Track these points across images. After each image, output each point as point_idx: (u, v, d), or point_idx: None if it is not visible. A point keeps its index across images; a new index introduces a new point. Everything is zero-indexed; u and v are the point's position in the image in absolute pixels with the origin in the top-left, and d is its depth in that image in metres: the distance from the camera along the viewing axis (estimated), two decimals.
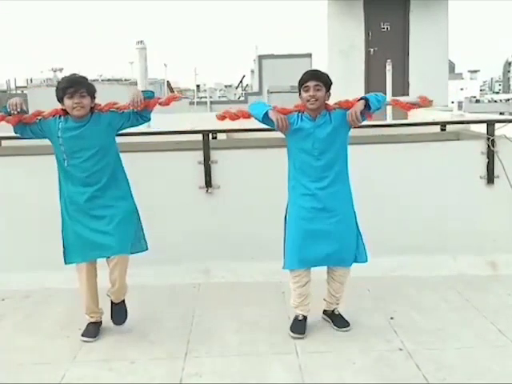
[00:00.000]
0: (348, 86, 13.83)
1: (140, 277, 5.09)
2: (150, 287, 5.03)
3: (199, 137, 5.43)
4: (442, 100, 14.56)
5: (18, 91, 33.23)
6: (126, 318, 4.36)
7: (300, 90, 4.04)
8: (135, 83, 11.01)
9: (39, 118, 4.10)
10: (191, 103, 28.64)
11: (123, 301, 4.34)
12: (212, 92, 41.89)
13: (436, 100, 14.13)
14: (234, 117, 4.33)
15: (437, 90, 14.18)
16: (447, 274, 5.28)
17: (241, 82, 39.69)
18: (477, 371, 3.59)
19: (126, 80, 33.85)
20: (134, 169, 5.33)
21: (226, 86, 50.51)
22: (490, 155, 5.48)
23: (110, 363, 3.82)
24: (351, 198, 4.15)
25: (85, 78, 4.06)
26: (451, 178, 5.51)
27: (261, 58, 29.45)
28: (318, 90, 3.97)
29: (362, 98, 4.00)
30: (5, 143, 5.80)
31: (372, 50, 14.48)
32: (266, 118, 4.06)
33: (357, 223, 4.16)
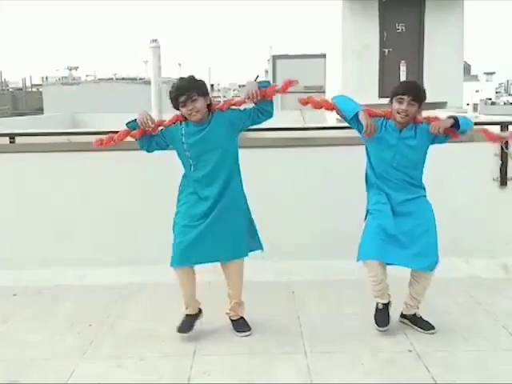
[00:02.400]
0: (362, 87, 13.82)
1: (151, 275, 5.12)
2: (160, 285, 5.03)
3: None
4: (457, 102, 14.47)
5: (34, 89, 33.41)
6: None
7: (392, 98, 3.94)
8: (150, 82, 11.06)
9: (161, 128, 4.02)
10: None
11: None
12: (226, 92, 41.89)
13: (451, 102, 14.13)
14: (317, 105, 3.99)
15: (452, 92, 14.11)
16: (459, 276, 5.24)
17: (255, 81, 39.62)
18: (487, 374, 3.56)
19: (140, 79, 33.92)
20: (143, 169, 5.38)
21: (239, 86, 50.46)
22: (504, 157, 5.44)
23: (118, 360, 3.83)
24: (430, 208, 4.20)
25: (192, 80, 3.92)
26: (464, 179, 5.48)
27: (275, 58, 29.46)
28: (412, 105, 3.88)
29: (453, 117, 3.93)
30: (19, 140, 5.84)
31: (386, 50, 14.41)
32: (353, 118, 3.96)
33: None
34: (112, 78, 35.69)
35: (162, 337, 4.17)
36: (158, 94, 8.26)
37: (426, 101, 3.98)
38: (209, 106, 3.95)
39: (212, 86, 37.45)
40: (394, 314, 4.40)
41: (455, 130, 3.92)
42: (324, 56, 18.20)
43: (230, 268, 4.20)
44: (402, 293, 4.24)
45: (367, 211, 4.15)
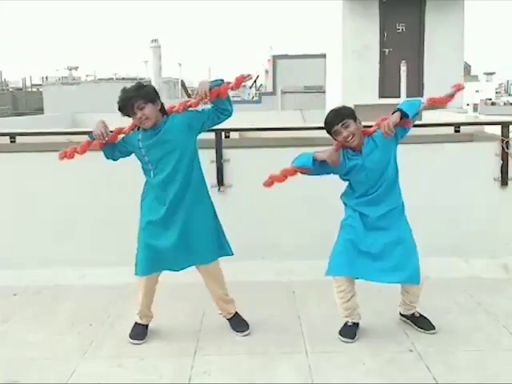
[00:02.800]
0: (362, 87, 13.82)
1: None
2: (161, 285, 5.02)
3: (212, 135, 5.43)
4: (457, 102, 14.44)
5: (34, 89, 33.41)
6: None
7: (331, 135, 3.91)
8: (150, 82, 11.07)
9: (122, 136, 4.01)
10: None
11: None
12: None
13: (451, 102, 14.13)
14: (282, 178, 3.97)
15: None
16: (459, 276, 5.24)
17: (255, 82, 39.66)
18: (488, 374, 3.56)
19: (140, 79, 33.94)
20: None
21: None
22: (505, 157, 5.44)
23: (119, 360, 3.83)
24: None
25: (137, 88, 3.89)
26: (465, 179, 5.47)
27: (275, 58, 29.44)
28: (347, 126, 3.83)
29: (397, 109, 3.87)
30: (19, 140, 5.83)
31: (387, 50, 14.39)
32: (316, 166, 3.92)
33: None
34: (112, 78, 35.69)
35: (163, 336, 4.17)
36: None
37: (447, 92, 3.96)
38: (162, 110, 3.91)
39: None
40: (393, 313, 4.41)
41: (406, 119, 3.86)
42: (324, 56, 18.19)
43: (202, 272, 4.19)
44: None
45: (341, 226, 4.13)
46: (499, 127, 5.53)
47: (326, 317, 4.40)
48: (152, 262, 4.01)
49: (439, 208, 5.49)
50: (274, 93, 27.38)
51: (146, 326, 4.21)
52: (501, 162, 5.45)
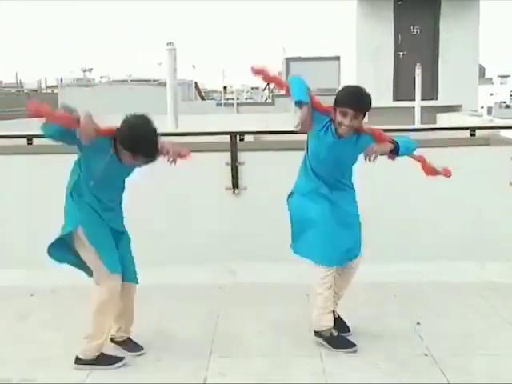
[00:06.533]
0: (376, 90, 13.77)
1: (166, 276, 5.14)
2: (176, 287, 5.06)
3: (227, 138, 5.46)
4: (472, 105, 14.41)
5: (49, 91, 33.65)
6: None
7: (336, 105, 3.73)
8: (164, 84, 11.13)
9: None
10: (218, 104, 28.80)
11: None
12: (239, 94, 41.97)
13: (466, 105, 14.08)
14: (269, 79, 3.85)
15: (467, 95, 14.04)
16: (474, 280, 5.21)
17: (268, 84, 39.70)
18: (502, 378, 3.56)
19: (154, 80, 34.09)
20: (161, 169, 5.40)
21: (252, 88, 50.54)
22: None
23: (135, 361, 3.86)
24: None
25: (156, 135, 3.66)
26: (480, 183, 5.45)
27: (288, 60, 29.44)
28: (356, 118, 3.67)
29: (394, 142, 3.77)
30: (36, 141, 5.89)
31: (401, 53, 14.38)
32: (297, 104, 3.74)
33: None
34: (126, 80, 35.86)
35: (179, 338, 4.20)
36: (174, 97, 8.30)
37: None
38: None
39: (225, 88, 37.54)
40: (408, 317, 4.40)
41: (394, 154, 3.78)
42: (338, 59, 18.20)
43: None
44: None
45: (294, 192, 4.04)
46: None
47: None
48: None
49: (454, 212, 5.48)
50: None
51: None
52: None
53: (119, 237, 3.94)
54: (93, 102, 21.40)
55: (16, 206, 5.60)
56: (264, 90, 38.83)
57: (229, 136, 5.45)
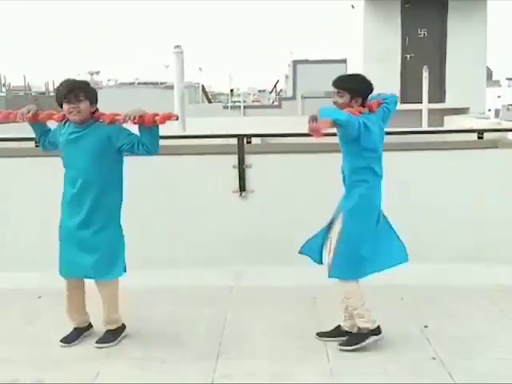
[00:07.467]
0: (383, 92, 13.76)
1: (174, 278, 5.15)
2: (183, 289, 5.07)
3: (234, 141, 5.47)
4: (479, 107, 14.35)
5: None
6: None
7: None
8: (171, 87, 11.15)
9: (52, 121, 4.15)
10: (225, 107, 28.85)
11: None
12: (246, 96, 42.05)
13: (473, 108, 14.03)
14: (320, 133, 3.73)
15: (474, 97, 14.00)
16: (482, 283, 5.20)
17: (275, 86, 39.72)
18: (510, 382, 3.54)
19: (161, 83, 34.18)
20: (168, 172, 5.43)
21: (259, 91, 50.63)
22: None
23: (142, 362, 3.87)
24: None
25: (84, 83, 4.09)
26: (488, 186, 5.44)
27: (295, 63, 29.48)
28: (341, 96, 3.98)
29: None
30: None
31: (408, 56, 14.35)
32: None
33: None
34: (134, 83, 35.94)
35: (186, 339, 4.21)
36: (182, 100, 8.32)
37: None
38: (93, 113, 3.97)
39: (232, 90, 37.62)
40: (416, 320, 4.40)
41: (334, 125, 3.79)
42: (344, 61, 18.17)
43: (97, 287, 4.17)
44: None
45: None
46: None
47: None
48: (61, 265, 4.27)
49: (463, 214, 5.47)
50: (293, 98, 27.41)
51: (83, 329, 4.27)
52: None
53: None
54: (100, 104, 21.50)
55: (27, 208, 5.62)
56: (271, 92, 38.88)
57: (236, 139, 5.46)
